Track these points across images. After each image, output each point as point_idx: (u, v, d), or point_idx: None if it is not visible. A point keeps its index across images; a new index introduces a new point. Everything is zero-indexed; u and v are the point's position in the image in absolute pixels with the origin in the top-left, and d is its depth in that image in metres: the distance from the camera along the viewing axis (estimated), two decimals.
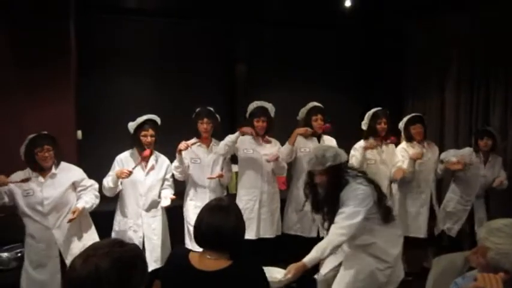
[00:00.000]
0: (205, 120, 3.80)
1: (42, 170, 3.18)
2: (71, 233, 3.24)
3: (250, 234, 3.88)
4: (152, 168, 3.61)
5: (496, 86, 4.72)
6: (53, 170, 3.21)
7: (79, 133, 4.34)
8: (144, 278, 1.35)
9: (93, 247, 1.33)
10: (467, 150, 4.28)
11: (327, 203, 2.75)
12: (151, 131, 3.51)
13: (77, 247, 3.24)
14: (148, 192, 3.57)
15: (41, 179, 3.17)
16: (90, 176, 3.48)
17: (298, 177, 4.05)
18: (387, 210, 2.78)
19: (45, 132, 3.20)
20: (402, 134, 4.37)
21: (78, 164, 3.76)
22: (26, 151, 3.14)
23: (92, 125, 4.52)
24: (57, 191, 3.19)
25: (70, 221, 3.08)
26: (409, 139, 4.27)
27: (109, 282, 1.25)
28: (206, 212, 1.84)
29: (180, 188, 3.91)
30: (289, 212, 4.14)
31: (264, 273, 1.82)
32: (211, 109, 3.87)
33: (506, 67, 4.60)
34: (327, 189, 2.72)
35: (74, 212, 3.09)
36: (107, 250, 1.29)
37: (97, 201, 3.31)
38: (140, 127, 3.51)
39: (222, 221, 1.78)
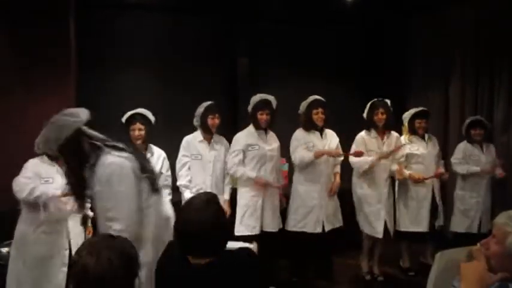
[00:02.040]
0: (216, 115, 3.82)
1: (57, 160, 3.15)
2: (79, 224, 3.28)
3: (254, 230, 3.88)
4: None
5: (500, 80, 4.68)
6: None
7: None
8: (139, 267, 1.40)
9: (91, 243, 1.34)
10: (463, 145, 4.34)
11: (72, 185, 2.25)
12: (139, 125, 3.49)
13: (81, 240, 3.24)
14: None
15: (59, 168, 3.17)
16: None
17: (306, 172, 4.04)
18: (152, 179, 2.28)
19: None
20: (405, 125, 4.38)
21: None
22: None
23: (92, 120, 4.50)
24: None
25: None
26: (413, 132, 4.30)
27: (121, 274, 1.28)
28: (183, 215, 1.72)
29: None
30: (293, 209, 4.10)
31: (255, 258, 1.81)
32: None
33: (510, 61, 4.55)
34: (69, 171, 2.23)
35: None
36: (106, 244, 1.31)
37: None
38: (129, 122, 3.49)
39: (198, 224, 1.64)
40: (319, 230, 4.00)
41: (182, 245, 1.71)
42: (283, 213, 4.14)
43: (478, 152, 4.29)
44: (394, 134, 4.24)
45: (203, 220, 1.65)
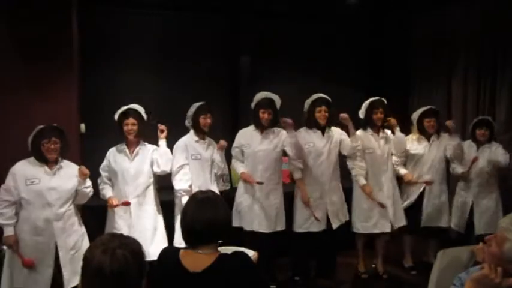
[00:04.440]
0: (208, 115, 3.80)
1: (47, 162, 3.19)
2: (68, 226, 3.22)
3: (246, 226, 3.89)
4: (137, 154, 3.60)
5: (502, 80, 4.66)
6: (59, 163, 3.24)
7: (82, 126, 4.34)
8: (147, 266, 1.42)
9: (103, 241, 1.35)
10: (466, 143, 4.28)
11: None
12: (132, 120, 3.53)
13: (72, 241, 3.23)
14: (134, 179, 3.54)
15: (47, 169, 3.18)
16: (92, 170, 3.48)
17: (306, 172, 4.02)
18: None
19: (55, 125, 3.21)
20: (415, 125, 4.36)
21: (81, 157, 3.74)
22: (33, 141, 3.16)
23: (95, 118, 4.51)
24: (66, 183, 3.20)
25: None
26: (422, 131, 4.27)
27: (135, 272, 1.31)
28: (193, 208, 1.80)
29: (165, 182, 3.86)
30: (298, 210, 4.08)
31: (251, 260, 1.81)
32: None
33: None
34: None
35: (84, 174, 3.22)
36: (119, 242, 1.33)
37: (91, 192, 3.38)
38: (122, 117, 3.55)
39: (212, 214, 1.77)
40: (323, 227, 4.00)
41: (189, 239, 1.80)
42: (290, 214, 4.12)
43: (473, 153, 4.19)
44: (388, 131, 4.23)
45: (212, 214, 1.77)
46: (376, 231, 4.15)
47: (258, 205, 3.89)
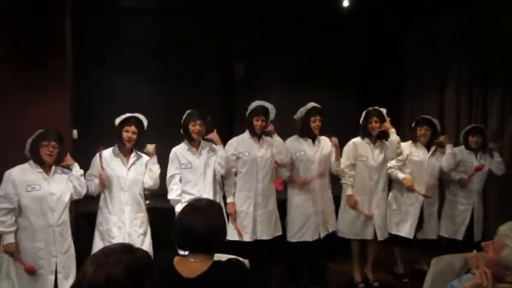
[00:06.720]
0: (198, 122, 3.72)
1: (44, 166, 3.18)
2: (65, 231, 3.26)
3: (245, 237, 3.86)
4: (133, 163, 3.59)
5: (494, 87, 4.72)
6: (55, 168, 3.24)
7: (75, 132, 4.32)
8: (153, 285, 1.37)
9: (103, 253, 1.33)
10: (457, 150, 4.33)
11: None
12: (133, 128, 3.49)
13: (67, 245, 3.26)
14: (130, 187, 3.53)
15: (44, 174, 3.18)
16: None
17: (296, 183, 4.06)
18: None
19: (56, 130, 3.23)
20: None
21: None
22: (33, 143, 3.15)
23: (88, 124, 4.49)
24: (62, 187, 3.23)
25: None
26: (414, 140, 4.32)
27: (122, 286, 1.27)
28: (184, 216, 1.80)
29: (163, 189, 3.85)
30: (290, 220, 4.10)
31: (245, 267, 1.81)
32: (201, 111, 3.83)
33: (504, 70, 4.59)
34: None
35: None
36: (117, 257, 1.30)
37: (83, 188, 3.38)
38: (124, 122, 3.50)
39: (201, 222, 1.74)
40: (316, 237, 4.03)
41: (183, 245, 1.79)
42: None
43: (472, 159, 4.27)
44: (385, 142, 4.21)
45: (207, 222, 1.76)
46: (359, 237, 4.17)
47: (259, 212, 3.90)
